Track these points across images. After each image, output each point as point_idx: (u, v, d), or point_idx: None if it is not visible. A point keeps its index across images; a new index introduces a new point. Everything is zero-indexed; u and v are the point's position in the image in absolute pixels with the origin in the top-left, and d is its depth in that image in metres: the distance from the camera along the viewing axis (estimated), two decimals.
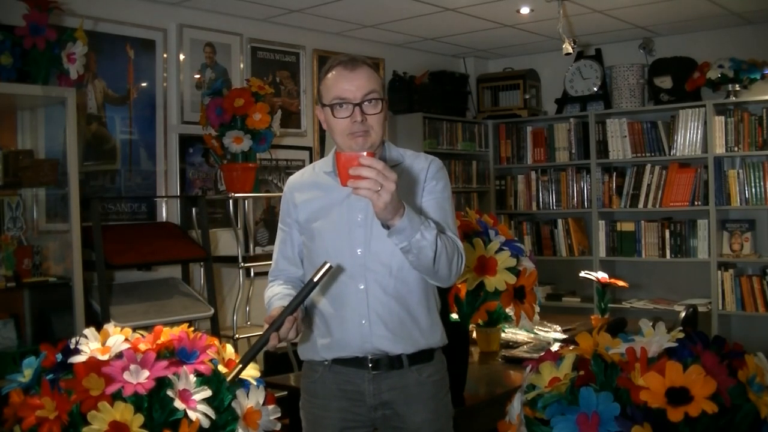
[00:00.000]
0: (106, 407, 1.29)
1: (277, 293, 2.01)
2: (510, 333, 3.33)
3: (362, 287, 1.95)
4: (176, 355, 1.42)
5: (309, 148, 4.97)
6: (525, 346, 3.16)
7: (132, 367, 1.34)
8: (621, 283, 3.62)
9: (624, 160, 5.32)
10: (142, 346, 1.41)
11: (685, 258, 5.13)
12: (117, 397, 1.31)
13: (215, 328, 3.88)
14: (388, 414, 1.99)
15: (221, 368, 1.44)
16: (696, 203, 5.05)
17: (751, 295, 4.90)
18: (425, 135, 5.29)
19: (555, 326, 3.45)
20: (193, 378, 1.37)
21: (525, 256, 2.68)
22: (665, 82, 5.19)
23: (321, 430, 2.04)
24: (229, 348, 1.52)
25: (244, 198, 4.33)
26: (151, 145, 4.18)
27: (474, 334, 3.15)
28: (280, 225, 2.13)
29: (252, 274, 4.43)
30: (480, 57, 6.08)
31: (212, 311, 3.85)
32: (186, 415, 1.32)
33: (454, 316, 2.54)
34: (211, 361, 1.43)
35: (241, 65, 4.58)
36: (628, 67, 5.33)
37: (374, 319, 1.95)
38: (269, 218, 4.64)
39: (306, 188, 2.07)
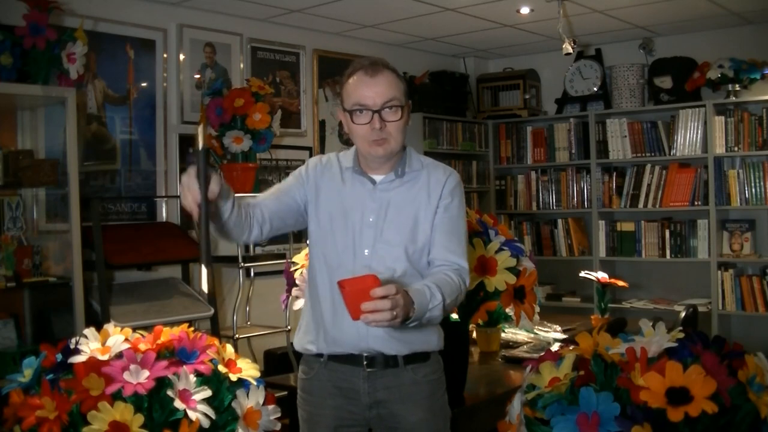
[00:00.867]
0: (106, 407, 1.29)
1: None
2: (510, 333, 3.33)
3: None
4: (176, 355, 1.42)
5: (309, 148, 4.97)
6: (525, 346, 3.16)
7: (132, 367, 1.34)
8: (621, 283, 3.61)
9: (624, 160, 5.32)
10: (142, 346, 1.41)
11: (685, 258, 5.13)
12: (117, 397, 1.31)
13: (215, 328, 3.88)
14: (383, 413, 1.99)
15: (221, 368, 1.44)
16: (696, 203, 5.05)
17: (751, 295, 4.90)
18: (425, 135, 5.29)
19: (555, 326, 3.45)
20: (193, 378, 1.38)
21: (525, 256, 2.68)
22: (665, 82, 5.19)
23: (316, 427, 2.04)
24: (229, 348, 1.52)
25: (244, 198, 4.33)
26: (151, 145, 4.18)
27: (474, 334, 3.15)
28: (284, 181, 2.10)
29: (252, 274, 4.43)
30: (480, 57, 6.08)
31: (212, 311, 3.85)
32: (186, 415, 1.32)
33: (454, 316, 2.54)
34: (211, 361, 1.43)
35: (241, 65, 4.58)
36: (628, 67, 5.33)
37: None
38: None
39: (330, 179, 2.05)
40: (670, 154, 5.15)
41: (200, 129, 1.75)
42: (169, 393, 1.33)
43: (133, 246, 3.71)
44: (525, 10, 4.62)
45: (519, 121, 5.80)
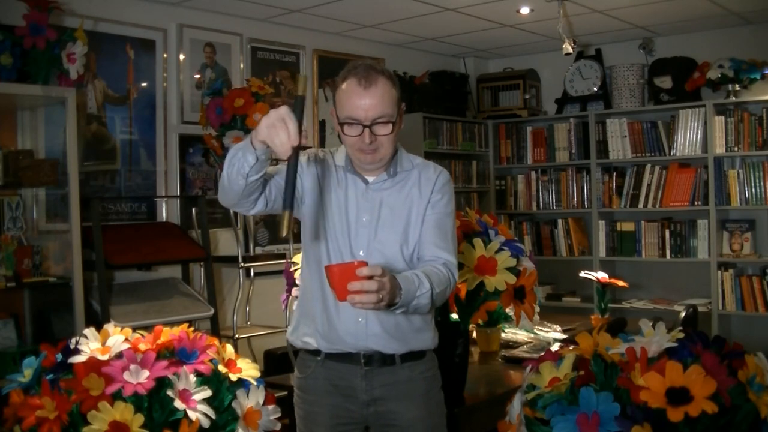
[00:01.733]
0: (106, 407, 1.29)
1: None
2: (510, 333, 3.33)
3: None
4: (176, 355, 1.42)
5: (309, 148, 4.96)
6: (525, 346, 3.16)
7: (132, 367, 1.34)
8: (621, 283, 3.61)
9: (624, 160, 5.32)
10: (142, 346, 1.42)
11: (685, 258, 5.13)
12: (117, 397, 1.31)
13: (215, 328, 3.88)
14: (380, 411, 2.00)
15: (221, 368, 1.44)
16: (696, 203, 5.04)
17: (751, 295, 4.89)
18: (425, 135, 5.29)
19: (555, 326, 3.45)
20: (193, 378, 1.38)
21: (525, 256, 2.68)
22: (665, 82, 5.18)
23: (313, 426, 2.05)
24: (229, 348, 1.52)
25: None
26: (151, 145, 4.18)
27: (474, 334, 3.15)
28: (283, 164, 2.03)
29: (252, 274, 4.43)
30: (480, 57, 6.08)
31: (212, 311, 3.85)
32: (186, 415, 1.32)
33: (454, 316, 2.54)
34: (211, 361, 1.43)
35: (241, 65, 4.58)
36: (628, 67, 5.33)
37: (371, 317, 1.96)
38: (269, 218, 4.64)
39: (326, 176, 2.04)
40: (670, 154, 5.14)
41: (302, 78, 1.68)
42: (169, 393, 1.33)
43: (133, 246, 3.71)
44: (525, 10, 4.62)
45: (519, 121, 5.80)
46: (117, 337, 1.43)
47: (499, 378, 2.82)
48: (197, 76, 4.38)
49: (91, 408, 1.29)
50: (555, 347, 3.02)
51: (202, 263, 4.02)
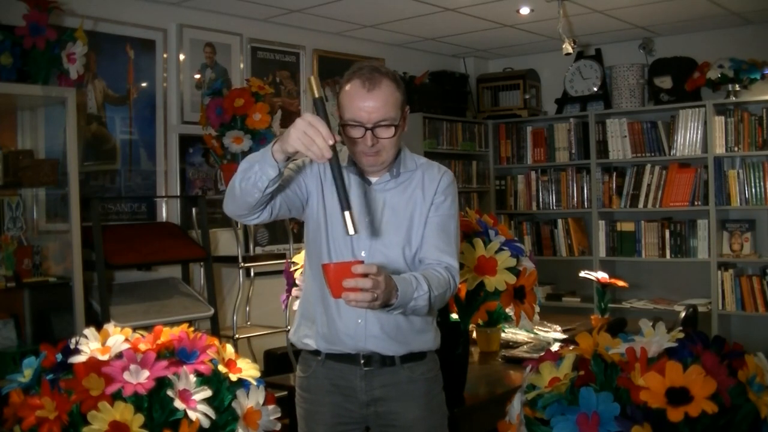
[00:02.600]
0: (106, 407, 1.29)
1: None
2: (510, 333, 3.33)
3: None
4: (176, 355, 1.42)
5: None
6: (525, 346, 3.16)
7: (132, 367, 1.34)
8: (621, 283, 3.61)
9: (624, 160, 5.32)
10: (142, 346, 1.42)
11: (685, 258, 5.13)
12: (117, 397, 1.31)
13: (215, 328, 3.88)
14: (380, 411, 2.00)
15: (221, 368, 1.44)
16: (696, 203, 5.05)
17: (751, 295, 4.89)
18: (425, 135, 5.29)
19: (555, 326, 3.45)
20: (193, 378, 1.38)
21: (525, 256, 2.68)
22: (665, 82, 5.19)
23: (314, 425, 2.05)
24: (229, 348, 1.52)
25: None
26: (151, 145, 4.18)
27: (474, 334, 3.15)
28: (286, 170, 2.00)
29: (252, 274, 4.43)
30: (480, 57, 6.08)
31: (212, 311, 3.85)
32: (186, 415, 1.32)
33: (454, 316, 2.54)
34: (211, 361, 1.43)
35: (241, 65, 4.58)
36: (628, 67, 5.33)
37: (370, 319, 1.95)
38: None
39: (329, 177, 1.99)
40: (670, 154, 5.14)
41: (313, 80, 1.71)
42: (169, 393, 1.33)
43: (133, 246, 3.71)
44: (525, 10, 4.62)
45: (519, 121, 5.80)
46: (117, 337, 1.43)
47: (499, 378, 2.82)
48: (197, 76, 4.38)
49: (91, 408, 1.29)
50: (555, 347, 3.02)
51: (202, 263, 4.02)
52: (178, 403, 1.32)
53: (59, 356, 1.41)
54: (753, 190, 4.88)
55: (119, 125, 4.04)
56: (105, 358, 1.38)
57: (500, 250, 2.49)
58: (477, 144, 5.79)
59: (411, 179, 2.03)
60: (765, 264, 4.95)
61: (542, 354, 1.43)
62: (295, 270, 2.62)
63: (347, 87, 1.94)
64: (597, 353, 1.32)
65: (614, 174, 5.39)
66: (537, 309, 3.30)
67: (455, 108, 5.69)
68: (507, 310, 2.90)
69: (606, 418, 1.20)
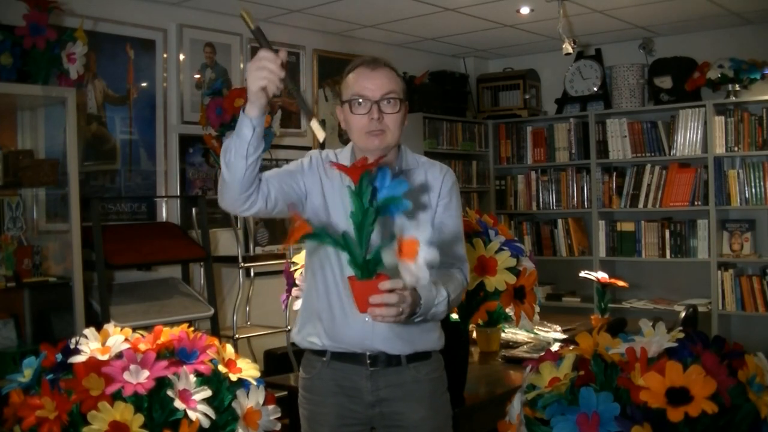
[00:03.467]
0: (106, 407, 1.29)
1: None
2: (510, 333, 3.33)
3: None
4: (176, 355, 1.42)
5: (309, 148, 4.97)
6: (525, 346, 3.16)
7: (132, 367, 1.34)
8: (621, 283, 3.61)
9: (624, 160, 5.32)
10: (142, 346, 1.42)
11: (685, 258, 5.13)
12: (117, 397, 1.31)
13: (215, 328, 3.88)
14: (386, 411, 1.99)
15: (221, 368, 1.44)
16: (696, 203, 5.05)
17: (751, 295, 4.89)
18: (425, 135, 5.29)
19: (555, 326, 3.45)
20: (193, 378, 1.38)
21: (525, 256, 2.68)
22: (665, 82, 5.18)
23: (318, 426, 2.04)
24: (229, 348, 1.52)
25: None
26: (151, 145, 4.18)
27: (474, 334, 3.15)
28: (284, 168, 2.03)
29: (252, 274, 4.43)
30: (480, 57, 6.08)
31: (212, 311, 3.85)
32: (186, 415, 1.32)
33: (454, 316, 2.54)
34: (211, 361, 1.43)
35: (241, 65, 4.58)
36: (628, 67, 5.33)
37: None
38: (269, 218, 4.64)
39: (330, 176, 2.01)
40: (670, 154, 5.14)
41: (244, 14, 1.73)
42: (169, 393, 1.33)
43: (133, 246, 3.71)
44: (525, 10, 4.62)
45: (519, 121, 5.80)
46: (117, 337, 1.43)
47: (499, 378, 2.82)
48: (197, 76, 4.38)
49: (91, 408, 1.29)
50: (555, 347, 3.02)
51: (202, 263, 4.02)
52: (178, 403, 1.32)
53: (59, 356, 1.41)
54: (753, 190, 4.88)
55: (119, 125, 4.04)
56: (105, 358, 1.38)
57: (500, 250, 2.49)
58: (477, 144, 5.79)
59: (413, 177, 2.03)
60: (765, 264, 4.95)
61: (542, 354, 1.43)
62: (295, 270, 2.62)
63: (350, 75, 1.98)
64: (597, 353, 1.32)
65: (614, 174, 5.39)
66: (537, 309, 3.30)
67: (455, 108, 5.69)
68: (507, 310, 2.89)
69: (606, 418, 1.20)
